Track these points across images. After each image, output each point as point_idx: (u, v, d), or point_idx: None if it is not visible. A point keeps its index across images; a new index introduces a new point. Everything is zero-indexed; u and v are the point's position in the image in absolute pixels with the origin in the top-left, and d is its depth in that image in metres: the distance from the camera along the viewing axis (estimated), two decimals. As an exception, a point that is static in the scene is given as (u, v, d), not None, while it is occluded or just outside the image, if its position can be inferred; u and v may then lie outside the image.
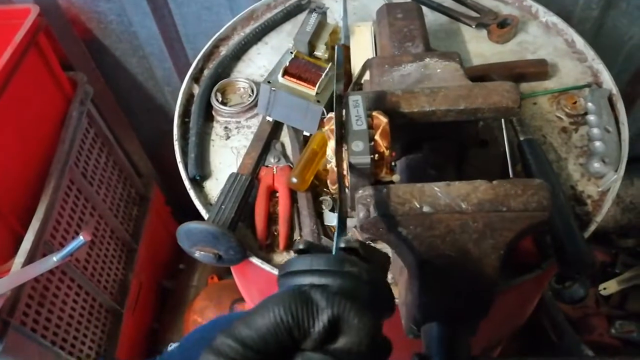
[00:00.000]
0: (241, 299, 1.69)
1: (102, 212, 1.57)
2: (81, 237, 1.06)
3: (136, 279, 1.72)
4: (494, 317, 0.94)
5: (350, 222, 0.85)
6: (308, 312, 0.34)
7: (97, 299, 1.51)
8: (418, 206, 0.55)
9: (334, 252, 0.41)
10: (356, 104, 0.58)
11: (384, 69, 0.79)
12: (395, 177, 0.59)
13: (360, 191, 0.57)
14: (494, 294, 0.57)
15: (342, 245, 0.41)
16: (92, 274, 1.49)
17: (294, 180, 0.81)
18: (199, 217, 0.92)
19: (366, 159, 0.56)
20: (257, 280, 1.04)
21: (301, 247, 0.41)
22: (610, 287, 1.82)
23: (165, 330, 1.85)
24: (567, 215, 0.75)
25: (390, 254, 0.66)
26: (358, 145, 0.56)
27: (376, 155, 0.58)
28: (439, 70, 0.76)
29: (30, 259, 1.16)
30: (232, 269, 1.18)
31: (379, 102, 0.65)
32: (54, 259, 1.11)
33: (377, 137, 0.58)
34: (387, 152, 0.58)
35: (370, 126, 0.58)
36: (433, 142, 0.74)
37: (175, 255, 1.98)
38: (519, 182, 0.56)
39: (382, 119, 0.59)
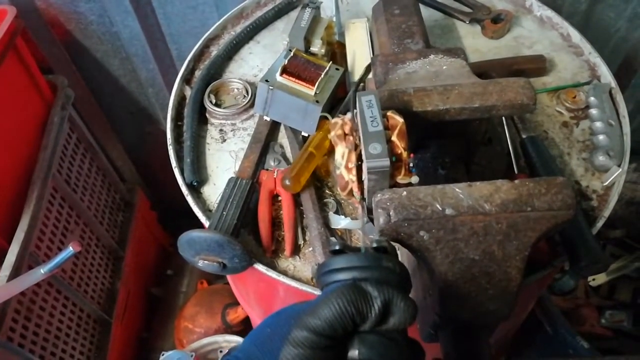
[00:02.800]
0: (233, 304, 1.66)
1: (87, 219, 1.51)
2: (70, 248, 1.01)
3: (124, 287, 1.67)
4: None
5: (354, 224, 0.83)
6: (365, 301, 0.41)
7: (85, 309, 1.46)
8: (440, 209, 0.53)
9: (362, 251, 0.47)
10: (370, 104, 0.56)
11: (388, 67, 0.77)
12: (414, 179, 0.57)
13: (379, 195, 0.55)
14: (517, 296, 0.56)
15: (375, 245, 0.46)
16: (79, 284, 1.44)
17: (287, 182, 0.79)
18: (189, 222, 0.88)
19: (385, 162, 0.53)
20: (257, 285, 1.01)
21: (337, 247, 0.46)
22: (599, 278, 1.84)
23: (156, 338, 1.80)
24: (576, 213, 0.74)
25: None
26: (376, 148, 0.53)
27: (394, 157, 0.56)
28: (445, 67, 0.74)
29: (16, 272, 1.11)
30: (234, 279, 1.15)
31: (390, 101, 0.63)
32: (42, 271, 1.06)
33: (394, 138, 0.56)
34: (405, 154, 0.56)
35: (387, 127, 0.56)
36: (441, 141, 0.72)
37: (162, 261, 1.93)
38: (542, 181, 0.55)
39: (398, 119, 0.57)
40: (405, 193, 0.54)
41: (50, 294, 1.30)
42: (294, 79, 0.87)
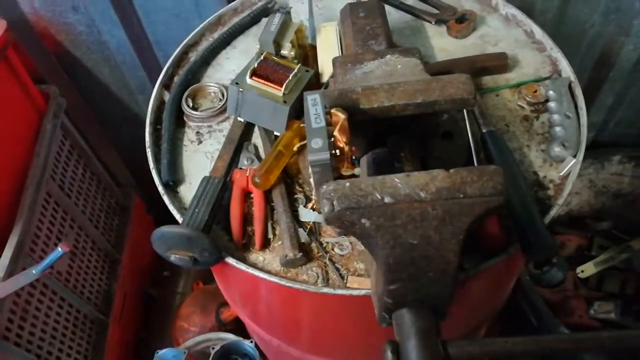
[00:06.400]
0: (226, 303, 1.70)
1: (82, 223, 1.57)
2: (59, 249, 1.07)
3: (120, 288, 1.72)
4: (468, 301, 0.97)
5: (322, 218, 0.87)
6: None
7: (82, 310, 1.51)
8: (379, 197, 0.57)
9: None
10: (314, 103, 0.60)
11: (347, 68, 0.81)
12: (357, 171, 0.61)
13: (325, 186, 0.59)
14: (456, 277, 0.59)
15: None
16: (75, 285, 1.49)
17: (257, 180, 0.83)
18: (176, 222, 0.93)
19: (325, 155, 0.58)
20: (238, 283, 1.06)
21: None
22: (587, 269, 1.86)
23: (153, 337, 1.85)
24: (528, 201, 0.78)
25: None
26: (317, 143, 0.58)
27: (337, 151, 0.60)
28: (399, 67, 0.79)
29: (9, 274, 1.16)
30: (214, 274, 1.19)
31: (339, 100, 0.67)
32: (34, 271, 1.12)
33: (336, 133, 0.60)
34: (346, 148, 0.61)
35: (329, 123, 0.60)
36: (397, 136, 0.76)
37: (159, 263, 1.98)
38: (475, 169, 0.59)
39: (340, 116, 0.61)
40: (348, 184, 0.59)
41: (45, 295, 1.35)
42: (263, 81, 0.91)
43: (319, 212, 0.86)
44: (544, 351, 0.69)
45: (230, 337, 1.59)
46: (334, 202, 0.58)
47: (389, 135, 0.77)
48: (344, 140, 0.60)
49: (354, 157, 0.61)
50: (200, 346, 1.60)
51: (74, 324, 1.47)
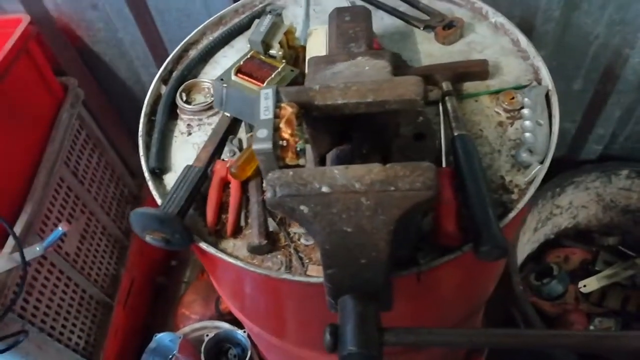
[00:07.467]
0: (226, 294, 1.76)
1: (94, 209, 1.66)
2: (60, 228, 1.15)
3: (128, 274, 1.80)
4: (443, 293, 1.00)
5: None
6: None
7: (87, 291, 1.60)
8: (318, 186, 0.62)
9: None
10: (267, 97, 0.65)
11: (320, 68, 0.86)
12: (302, 161, 0.66)
13: (270, 174, 0.63)
14: (388, 265, 0.63)
15: None
16: (83, 267, 1.58)
17: (233, 170, 0.88)
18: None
19: (268, 145, 0.62)
20: (222, 273, 1.11)
21: None
22: (590, 284, 1.85)
23: (158, 324, 1.93)
24: (486, 203, 0.80)
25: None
26: (263, 133, 0.62)
27: (284, 142, 0.65)
28: (367, 68, 0.82)
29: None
30: (205, 265, 1.25)
31: (297, 96, 0.71)
32: (37, 248, 1.20)
33: (281, 125, 0.65)
34: (291, 139, 0.65)
35: (277, 116, 0.65)
36: (360, 134, 0.80)
37: (167, 252, 2.06)
38: (409, 165, 0.62)
39: (288, 109, 0.66)
40: (291, 173, 0.63)
41: (52, 273, 1.44)
42: (247, 78, 0.97)
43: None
44: (480, 345, 0.71)
45: (226, 326, 1.65)
46: (276, 189, 0.62)
47: (354, 132, 0.81)
48: (289, 132, 0.65)
49: (299, 149, 0.66)
50: (196, 333, 1.67)
51: (79, 303, 1.56)
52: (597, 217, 1.96)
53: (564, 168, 1.83)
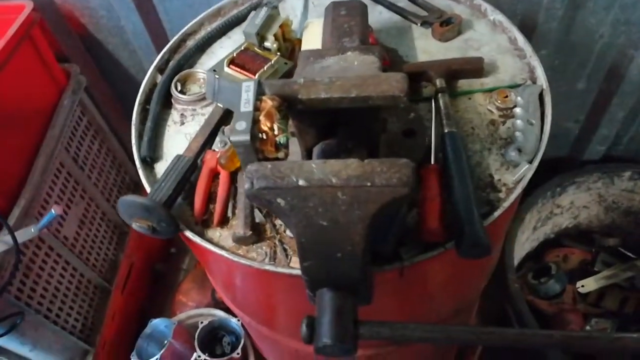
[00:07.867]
0: (223, 283, 1.78)
1: (94, 195, 1.68)
2: (52, 211, 1.16)
3: (127, 259, 1.82)
4: (429, 289, 1.01)
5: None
6: None
7: (85, 275, 1.62)
8: (295, 180, 0.62)
9: None
10: (247, 89, 0.65)
11: (309, 62, 0.86)
12: (281, 154, 0.66)
13: (249, 166, 0.64)
14: (364, 259, 0.63)
15: None
16: (81, 251, 1.60)
17: (222, 161, 0.89)
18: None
19: (245, 137, 0.63)
20: (214, 263, 1.12)
21: None
22: (588, 284, 1.84)
23: (155, 310, 1.95)
24: (471, 200, 0.80)
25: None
26: (241, 125, 0.63)
27: (263, 134, 0.65)
28: (356, 63, 0.82)
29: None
30: (196, 255, 1.26)
31: (281, 89, 0.71)
32: (32, 230, 1.22)
33: (261, 117, 0.65)
34: (270, 132, 0.65)
35: (258, 108, 0.65)
36: (345, 128, 0.80)
37: (167, 240, 2.08)
38: (387, 161, 0.62)
39: (268, 102, 0.66)
40: (270, 166, 0.63)
41: (50, 257, 1.46)
42: (239, 70, 0.97)
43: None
44: (452, 341, 0.72)
45: (221, 314, 1.67)
46: (254, 181, 0.63)
47: (340, 127, 0.81)
48: (269, 125, 0.65)
49: (279, 142, 0.66)
50: (192, 320, 1.69)
51: (77, 287, 1.58)
52: (599, 217, 1.95)
53: (567, 168, 1.81)
